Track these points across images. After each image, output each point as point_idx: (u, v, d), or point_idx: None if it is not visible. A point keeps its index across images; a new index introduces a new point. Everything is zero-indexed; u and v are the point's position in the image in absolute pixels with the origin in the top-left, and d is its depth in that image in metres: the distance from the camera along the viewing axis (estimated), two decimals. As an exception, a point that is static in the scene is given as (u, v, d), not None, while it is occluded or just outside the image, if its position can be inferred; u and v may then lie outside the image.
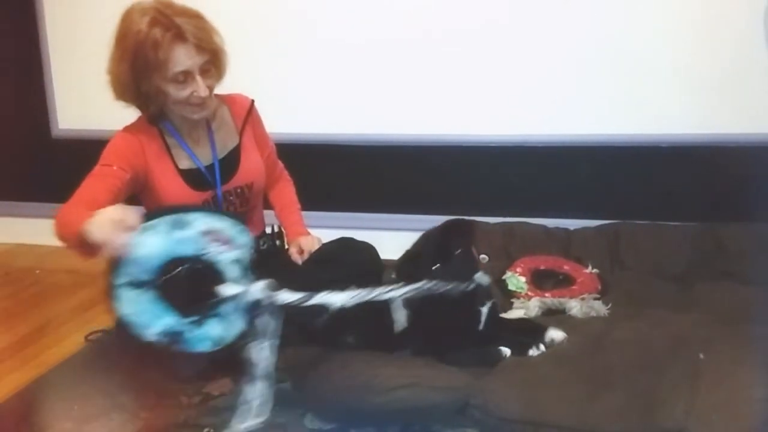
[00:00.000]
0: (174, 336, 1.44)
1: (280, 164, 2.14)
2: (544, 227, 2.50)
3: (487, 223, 2.54)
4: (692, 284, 2.10)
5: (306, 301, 1.47)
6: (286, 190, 2.15)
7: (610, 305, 1.97)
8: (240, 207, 1.95)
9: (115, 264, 1.41)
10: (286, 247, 2.06)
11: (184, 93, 1.73)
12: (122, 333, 1.85)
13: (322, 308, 1.55)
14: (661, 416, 1.45)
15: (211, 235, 1.45)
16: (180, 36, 1.68)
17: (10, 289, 2.66)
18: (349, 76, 2.68)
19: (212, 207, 1.83)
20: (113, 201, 1.67)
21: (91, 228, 1.44)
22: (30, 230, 3.14)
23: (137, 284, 1.41)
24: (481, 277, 1.73)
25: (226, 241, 1.47)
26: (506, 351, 1.71)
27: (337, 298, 1.50)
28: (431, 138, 2.68)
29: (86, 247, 1.49)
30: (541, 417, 1.51)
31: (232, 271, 1.47)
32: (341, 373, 1.60)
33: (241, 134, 1.96)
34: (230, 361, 1.72)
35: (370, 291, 1.54)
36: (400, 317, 1.71)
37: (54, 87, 3.00)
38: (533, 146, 2.61)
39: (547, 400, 1.54)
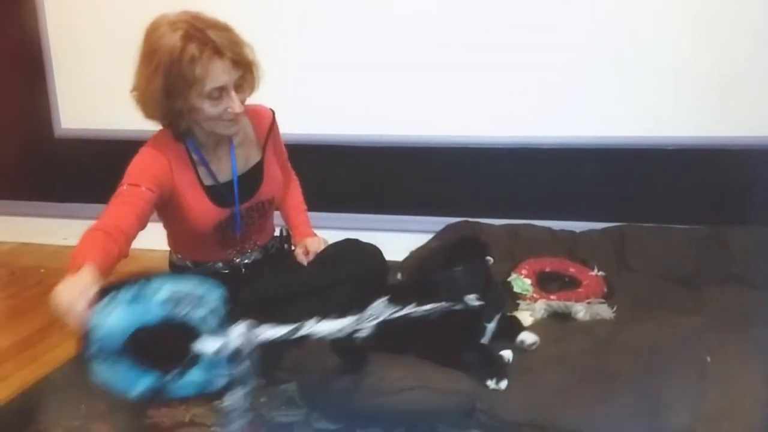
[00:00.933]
0: (156, 391, 1.41)
1: (289, 165, 2.14)
2: (549, 229, 2.50)
3: (492, 225, 2.54)
4: (698, 287, 2.10)
5: (292, 335, 1.39)
6: (294, 192, 2.14)
7: (615, 308, 1.97)
8: (258, 219, 1.95)
9: (84, 335, 1.37)
10: (293, 248, 2.07)
11: (217, 109, 1.68)
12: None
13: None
14: (668, 419, 1.45)
15: (175, 300, 1.37)
16: (217, 51, 1.62)
17: (15, 288, 2.66)
18: (355, 77, 2.68)
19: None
20: (139, 224, 1.63)
21: (57, 294, 1.35)
22: (34, 229, 3.15)
23: (108, 355, 1.35)
24: (473, 300, 1.66)
25: (194, 301, 1.40)
26: (508, 356, 1.72)
27: (324, 328, 1.41)
28: (436, 139, 2.68)
29: None
30: (547, 420, 1.51)
31: (205, 325, 1.39)
32: (348, 374, 1.60)
33: (264, 149, 1.93)
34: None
35: (359, 317, 1.44)
36: None
37: (57, 86, 3.00)
38: (539, 148, 2.60)
39: (553, 404, 1.54)
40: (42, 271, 2.81)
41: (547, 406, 1.53)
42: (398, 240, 2.43)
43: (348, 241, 1.96)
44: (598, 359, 1.66)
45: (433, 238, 2.51)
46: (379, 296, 1.46)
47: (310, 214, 2.13)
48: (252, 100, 1.86)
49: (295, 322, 1.58)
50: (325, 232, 2.10)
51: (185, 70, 1.61)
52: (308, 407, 1.68)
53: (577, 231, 2.48)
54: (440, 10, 2.58)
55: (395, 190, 2.78)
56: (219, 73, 1.63)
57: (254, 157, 1.92)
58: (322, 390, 1.64)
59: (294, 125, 2.38)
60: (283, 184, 2.02)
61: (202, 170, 1.82)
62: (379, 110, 2.71)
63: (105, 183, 3.14)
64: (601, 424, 1.48)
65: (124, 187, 1.67)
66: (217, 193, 1.83)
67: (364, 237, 2.01)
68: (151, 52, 1.64)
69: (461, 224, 2.56)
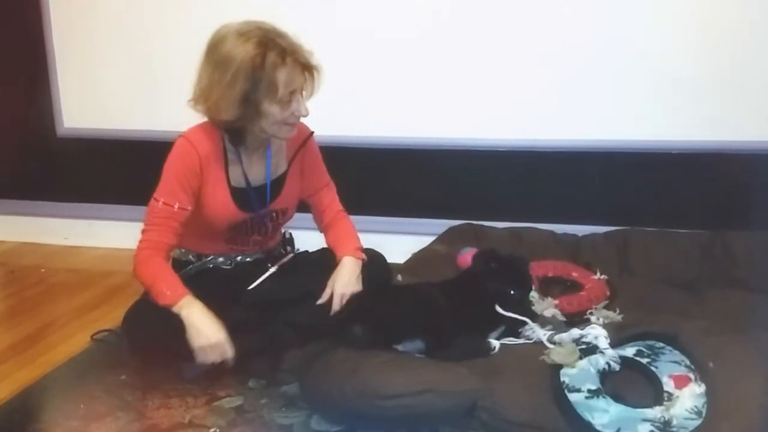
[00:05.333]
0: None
1: (338, 203, 2.06)
2: (552, 233, 2.49)
3: (496, 228, 2.54)
4: (701, 291, 2.09)
5: None
6: (347, 235, 2.03)
7: (618, 311, 1.96)
8: (272, 230, 2.00)
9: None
10: (297, 249, 2.11)
11: (285, 113, 1.74)
12: (127, 332, 1.88)
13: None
14: (670, 423, 1.44)
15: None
16: (292, 57, 1.70)
17: (15, 288, 2.65)
18: (357, 78, 2.66)
19: None
20: (177, 239, 1.81)
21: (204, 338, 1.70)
22: (36, 229, 3.14)
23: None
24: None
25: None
26: (495, 344, 1.75)
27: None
28: (440, 141, 2.67)
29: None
30: (548, 422, 1.50)
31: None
32: (350, 378, 1.58)
33: (290, 162, 1.96)
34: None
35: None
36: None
37: (59, 86, 2.99)
38: (542, 151, 2.60)
39: (554, 405, 1.53)
40: (42, 270, 2.80)
41: (548, 407, 1.52)
42: (400, 242, 2.43)
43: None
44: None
45: (435, 240, 2.50)
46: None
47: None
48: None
49: (298, 324, 1.77)
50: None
51: (268, 75, 1.67)
52: (308, 408, 1.67)
53: (580, 235, 2.47)
54: (444, 12, 2.58)
55: (397, 192, 2.77)
56: (294, 78, 1.72)
57: (281, 168, 1.95)
58: (323, 393, 1.63)
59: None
60: (320, 211, 2.04)
61: (233, 170, 1.85)
62: (381, 112, 2.70)
63: (107, 182, 3.14)
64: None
65: (159, 204, 1.77)
66: (241, 196, 1.86)
67: (366, 238, 2.01)
68: (225, 61, 1.68)
69: (464, 227, 2.55)
